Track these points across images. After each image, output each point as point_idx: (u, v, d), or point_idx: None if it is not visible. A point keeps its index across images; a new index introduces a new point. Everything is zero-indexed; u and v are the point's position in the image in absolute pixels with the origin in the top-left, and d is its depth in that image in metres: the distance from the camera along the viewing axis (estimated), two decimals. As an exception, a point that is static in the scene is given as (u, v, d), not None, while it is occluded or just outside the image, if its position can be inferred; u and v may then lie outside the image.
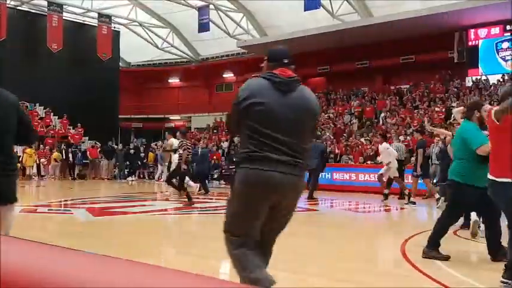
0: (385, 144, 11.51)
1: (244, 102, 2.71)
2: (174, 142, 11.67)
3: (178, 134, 11.11)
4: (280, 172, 2.66)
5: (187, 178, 11.41)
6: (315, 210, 10.82)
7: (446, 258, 4.90)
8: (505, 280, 3.97)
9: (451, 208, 5.09)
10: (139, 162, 22.32)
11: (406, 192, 11.36)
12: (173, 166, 11.04)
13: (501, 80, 20.57)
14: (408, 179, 12.65)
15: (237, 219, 2.82)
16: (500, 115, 3.90)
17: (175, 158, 10.96)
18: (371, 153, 16.18)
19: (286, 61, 2.98)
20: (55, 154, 21.07)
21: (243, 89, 2.81)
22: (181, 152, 10.24)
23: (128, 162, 21.86)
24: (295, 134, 2.72)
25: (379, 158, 13.12)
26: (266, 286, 2.66)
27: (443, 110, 19.21)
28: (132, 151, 22.44)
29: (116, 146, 23.14)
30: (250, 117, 2.70)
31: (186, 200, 10.22)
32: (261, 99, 2.70)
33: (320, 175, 12.98)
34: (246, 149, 2.70)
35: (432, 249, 5.00)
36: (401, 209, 10.81)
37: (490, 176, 4.06)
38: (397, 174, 11.25)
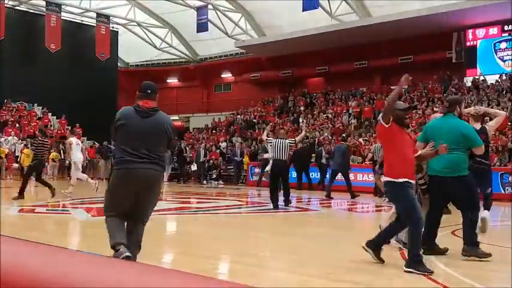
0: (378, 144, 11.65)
1: (117, 123, 4.14)
2: (73, 140, 12.64)
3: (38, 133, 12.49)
4: (137, 168, 3.98)
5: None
6: (315, 210, 10.82)
7: (487, 255, 4.93)
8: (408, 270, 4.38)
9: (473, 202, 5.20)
10: None
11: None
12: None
13: (499, 80, 20.61)
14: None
15: (110, 201, 4.12)
16: (386, 118, 4.55)
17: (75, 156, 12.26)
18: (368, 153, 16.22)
19: (149, 91, 4.29)
20: (53, 154, 21.03)
21: (118, 113, 4.26)
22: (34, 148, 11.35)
23: None
24: (150, 143, 4.06)
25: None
26: (120, 251, 3.80)
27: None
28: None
29: (112, 147, 23.07)
30: (119, 133, 4.14)
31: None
32: (126, 121, 4.10)
33: (348, 173, 13.72)
34: (118, 155, 4.12)
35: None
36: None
37: (386, 178, 4.66)
38: None
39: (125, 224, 4.09)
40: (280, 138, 10.48)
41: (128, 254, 3.80)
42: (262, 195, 14.36)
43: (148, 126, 4.09)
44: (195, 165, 20.48)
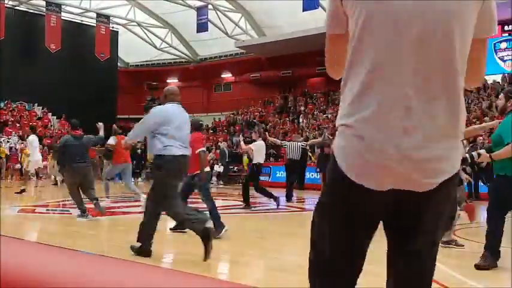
0: None
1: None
2: (31, 139, 13.34)
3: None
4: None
5: None
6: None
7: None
8: None
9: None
10: (143, 162, 22.17)
11: None
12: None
13: (498, 80, 20.60)
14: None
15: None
16: None
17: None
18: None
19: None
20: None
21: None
22: None
23: (134, 162, 21.58)
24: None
25: None
26: None
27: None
28: (139, 151, 21.98)
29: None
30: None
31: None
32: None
33: None
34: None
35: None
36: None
37: None
38: None
39: None
40: (294, 141, 12.41)
41: None
42: (257, 195, 14.37)
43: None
44: (220, 166, 19.95)
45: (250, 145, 10.51)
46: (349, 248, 1.62)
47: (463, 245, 5.69)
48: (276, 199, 10.27)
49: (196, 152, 6.31)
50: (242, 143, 11.66)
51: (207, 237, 4.61)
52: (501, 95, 4.83)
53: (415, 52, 1.42)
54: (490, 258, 4.54)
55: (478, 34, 1.49)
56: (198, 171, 6.39)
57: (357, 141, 1.45)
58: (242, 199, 10.29)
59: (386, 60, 1.43)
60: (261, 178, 18.57)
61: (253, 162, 10.23)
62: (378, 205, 1.52)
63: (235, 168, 21.03)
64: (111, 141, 11.05)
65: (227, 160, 20.10)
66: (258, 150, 10.09)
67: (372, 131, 1.43)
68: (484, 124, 5.76)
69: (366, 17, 1.44)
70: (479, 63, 1.55)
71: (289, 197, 12.02)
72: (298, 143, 12.30)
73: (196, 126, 6.73)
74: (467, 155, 4.69)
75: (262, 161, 10.25)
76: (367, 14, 1.44)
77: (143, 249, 4.97)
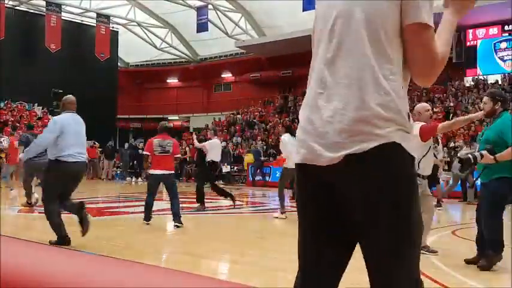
0: None
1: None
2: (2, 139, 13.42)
3: None
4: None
5: None
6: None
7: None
8: None
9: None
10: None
11: None
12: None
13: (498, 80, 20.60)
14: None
15: None
16: None
17: None
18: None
19: None
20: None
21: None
22: None
23: (135, 162, 21.57)
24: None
25: None
26: None
27: (442, 109, 19.22)
28: (140, 151, 21.88)
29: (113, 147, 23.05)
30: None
31: None
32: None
33: None
34: None
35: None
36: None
37: None
38: None
39: None
40: None
41: None
42: (257, 195, 14.37)
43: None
44: (227, 166, 19.72)
45: (205, 143, 10.16)
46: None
47: (437, 252, 5.35)
48: (232, 198, 9.94)
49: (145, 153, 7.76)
50: (195, 141, 11.63)
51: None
52: (486, 98, 4.84)
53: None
54: (493, 256, 4.57)
55: (403, 21, 1.46)
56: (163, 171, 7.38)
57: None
58: (196, 199, 9.85)
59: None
60: (259, 178, 18.80)
61: (207, 160, 9.93)
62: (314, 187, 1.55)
63: (235, 168, 21.05)
64: (5, 142, 11.65)
65: (231, 161, 20.03)
66: (212, 148, 9.89)
67: (301, 116, 1.63)
68: (468, 116, 5.73)
69: None
70: (414, 55, 1.49)
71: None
72: None
73: (161, 129, 7.78)
74: (470, 156, 4.68)
75: (216, 159, 9.96)
76: None
77: (59, 236, 5.36)
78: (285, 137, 8.98)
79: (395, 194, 1.42)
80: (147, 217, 7.50)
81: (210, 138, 10.66)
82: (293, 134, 9.76)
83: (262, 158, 19.61)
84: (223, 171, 19.58)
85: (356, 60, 1.47)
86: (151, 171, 7.51)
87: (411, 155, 1.47)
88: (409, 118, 1.50)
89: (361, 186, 1.43)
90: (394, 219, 1.42)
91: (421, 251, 5.26)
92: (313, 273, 1.63)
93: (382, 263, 1.46)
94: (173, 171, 7.69)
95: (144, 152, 7.89)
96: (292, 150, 9.75)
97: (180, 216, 7.32)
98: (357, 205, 1.45)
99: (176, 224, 7.30)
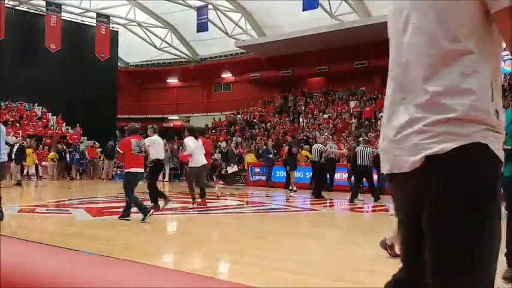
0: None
1: None
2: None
3: None
4: None
5: None
6: (315, 210, 10.82)
7: None
8: None
9: None
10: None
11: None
12: None
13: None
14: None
15: None
16: None
17: None
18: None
19: None
20: (51, 154, 21.08)
21: None
22: None
23: None
24: None
25: None
26: None
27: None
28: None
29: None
30: None
31: None
32: None
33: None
34: None
35: None
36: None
37: None
38: None
39: None
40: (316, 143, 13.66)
41: None
42: (255, 195, 14.37)
43: None
44: (233, 166, 19.45)
45: (145, 140, 9.33)
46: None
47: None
48: (166, 200, 9.37)
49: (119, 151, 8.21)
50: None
51: None
52: None
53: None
54: None
55: (489, 9, 1.39)
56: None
57: None
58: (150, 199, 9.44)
59: None
60: (259, 178, 18.76)
61: (152, 158, 9.44)
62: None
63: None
64: None
65: (236, 160, 19.94)
66: (153, 146, 9.42)
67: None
68: None
69: None
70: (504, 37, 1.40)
71: (317, 195, 12.96)
72: (317, 146, 13.31)
73: (130, 131, 8.26)
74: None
75: (160, 157, 9.58)
76: None
77: None
78: (189, 141, 9.76)
79: (465, 205, 1.32)
80: (131, 213, 7.88)
81: (148, 135, 9.78)
82: (196, 136, 10.09)
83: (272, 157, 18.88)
84: (229, 171, 19.53)
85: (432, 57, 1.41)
86: (132, 170, 7.84)
87: (498, 158, 1.36)
88: (498, 115, 1.39)
89: (433, 190, 1.36)
90: (455, 237, 1.32)
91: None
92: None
93: (431, 269, 1.37)
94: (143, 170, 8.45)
95: (120, 150, 8.25)
96: (196, 151, 9.85)
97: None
98: (427, 208, 1.38)
99: (126, 219, 7.75)
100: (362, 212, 11.06)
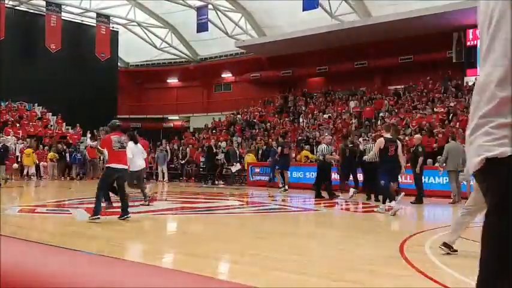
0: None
1: None
2: None
3: None
4: None
5: None
6: (315, 210, 10.82)
7: None
8: None
9: None
10: None
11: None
12: None
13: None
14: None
15: None
16: None
17: None
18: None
19: None
20: (51, 154, 21.08)
21: None
22: None
23: None
24: None
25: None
26: None
27: (442, 109, 19.22)
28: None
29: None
30: None
31: None
32: None
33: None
34: None
35: None
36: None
37: None
38: None
39: None
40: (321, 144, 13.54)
41: None
42: (256, 195, 14.37)
43: None
44: (236, 165, 19.29)
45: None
46: None
47: (456, 252, 5.17)
48: (109, 205, 9.14)
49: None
50: (89, 140, 11.45)
51: None
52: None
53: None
54: None
55: None
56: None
57: None
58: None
59: None
60: (259, 178, 18.72)
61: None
62: None
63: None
64: None
65: (238, 160, 19.89)
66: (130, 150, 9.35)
67: None
68: None
69: None
70: None
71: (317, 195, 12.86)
72: (323, 146, 13.25)
73: (114, 127, 8.29)
74: None
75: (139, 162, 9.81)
76: None
77: None
78: (130, 144, 9.68)
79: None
80: (100, 209, 7.71)
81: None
82: (136, 141, 10.17)
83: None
84: (233, 170, 19.49)
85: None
86: (113, 165, 7.87)
87: None
88: None
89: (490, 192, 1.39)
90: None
91: (441, 247, 5.02)
92: None
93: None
94: (127, 167, 8.41)
95: (100, 148, 8.36)
96: (136, 156, 9.89)
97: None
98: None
99: (126, 217, 7.68)
100: (362, 212, 11.06)
